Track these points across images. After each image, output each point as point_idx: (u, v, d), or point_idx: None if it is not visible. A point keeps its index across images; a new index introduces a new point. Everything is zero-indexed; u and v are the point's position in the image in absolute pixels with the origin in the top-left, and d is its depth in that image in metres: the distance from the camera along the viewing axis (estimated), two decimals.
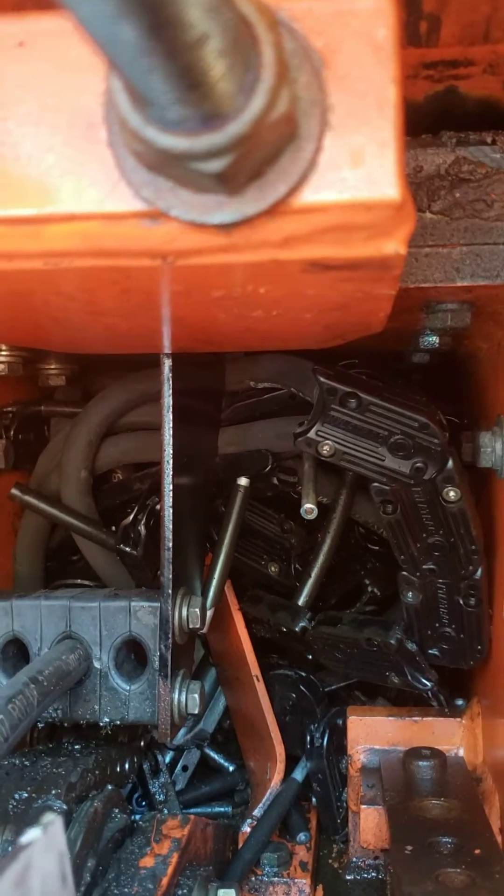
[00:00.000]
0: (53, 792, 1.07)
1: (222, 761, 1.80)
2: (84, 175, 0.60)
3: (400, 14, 0.59)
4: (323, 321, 0.92)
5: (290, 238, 0.61)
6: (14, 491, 1.58)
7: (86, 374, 1.76)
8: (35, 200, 0.61)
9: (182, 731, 1.79)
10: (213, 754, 1.81)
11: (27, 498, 1.58)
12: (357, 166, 0.57)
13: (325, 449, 1.25)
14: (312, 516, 1.33)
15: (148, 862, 1.13)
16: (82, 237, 0.62)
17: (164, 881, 1.09)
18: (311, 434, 1.25)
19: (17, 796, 1.07)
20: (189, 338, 1.06)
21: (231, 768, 1.79)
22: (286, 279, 0.71)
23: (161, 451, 1.25)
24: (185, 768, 1.78)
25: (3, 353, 1.39)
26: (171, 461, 1.25)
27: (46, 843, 0.59)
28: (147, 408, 1.62)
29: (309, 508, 1.31)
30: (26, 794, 1.07)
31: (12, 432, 1.65)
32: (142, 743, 1.53)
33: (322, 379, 1.20)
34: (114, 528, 1.62)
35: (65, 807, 1.06)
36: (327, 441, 1.24)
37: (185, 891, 1.14)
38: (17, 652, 1.33)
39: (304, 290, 0.76)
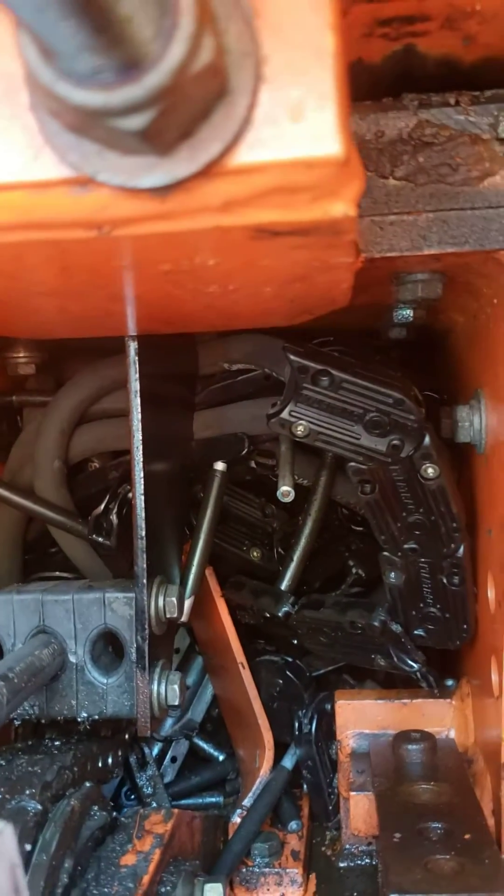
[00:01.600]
0: (27, 792, 1.04)
1: (212, 751, 1.78)
2: (5, 142, 0.56)
3: None
4: (285, 295, 0.89)
5: (230, 202, 0.57)
6: None
7: (57, 362, 1.71)
8: None
9: (169, 721, 1.77)
10: (202, 744, 1.78)
11: (0, 491, 1.54)
12: (296, 121, 0.53)
13: (300, 429, 1.21)
14: (289, 499, 1.30)
15: (129, 860, 1.10)
16: (8, 209, 0.58)
17: (146, 879, 1.06)
18: (284, 415, 1.21)
19: None
20: (149, 318, 1.02)
21: (221, 757, 1.77)
22: (234, 248, 0.67)
23: (130, 438, 1.22)
24: (173, 759, 1.75)
25: None
26: (140, 447, 1.21)
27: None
28: (120, 394, 1.57)
29: (286, 491, 1.28)
30: (0, 795, 1.04)
31: None
32: (126, 736, 1.50)
33: (292, 357, 1.17)
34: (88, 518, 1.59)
35: (39, 807, 1.03)
36: (301, 421, 1.20)
37: (168, 887, 1.11)
38: None
39: (257, 261, 0.72)
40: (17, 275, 0.73)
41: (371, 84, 0.96)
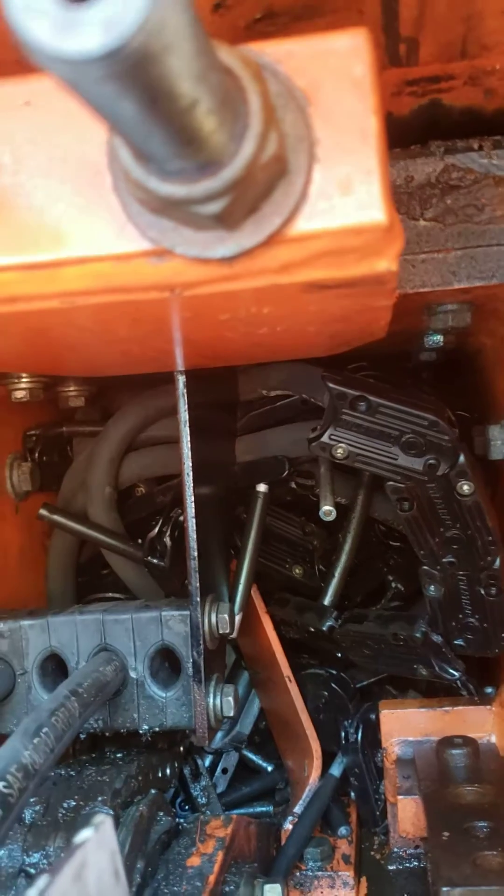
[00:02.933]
0: (100, 799, 1.12)
1: (260, 762, 1.84)
2: (93, 220, 0.64)
3: (378, 41, 0.63)
4: (327, 332, 0.97)
5: (287, 264, 0.65)
6: (43, 511, 1.64)
7: (104, 393, 1.81)
8: (50, 246, 0.66)
9: (219, 734, 1.84)
10: (251, 756, 1.85)
11: (55, 517, 1.63)
12: (345, 194, 0.61)
13: (339, 452, 1.29)
14: (331, 518, 1.37)
15: (194, 861, 1.17)
16: (95, 277, 0.67)
17: (212, 878, 1.13)
18: (325, 438, 1.29)
19: (65, 805, 1.11)
20: (199, 355, 1.10)
21: (269, 768, 1.83)
22: (287, 300, 0.75)
23: (181, 464, 1.30)
24: (224, 771, 1.82)
25: (24, 380, 1.44)
26: (191, 473, 1.29)
27: (98, 841, 0.64)
28: (164, 422, 1.66)
29: (327, 511, 1.35)
30: (74, 803, 1.12)
31: (37, 454, 1.70)
32: (181, 748, 1.57)
33: (331, 385, 1.24)
34: (140, 541, 1.67)
35: (111, 812, 1.11)
36: (340, 444, 1.28)
37: (231, 887, 1.18)
38: (56, 667, 1.38)
39: (305, 308, 0.80)
40: (92, 328, 0.81)
41: (400, 133, 1.04)
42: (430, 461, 1.28)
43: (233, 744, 1.83)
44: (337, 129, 0.61)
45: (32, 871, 1.03)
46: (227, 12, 0.75)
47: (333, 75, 0.61)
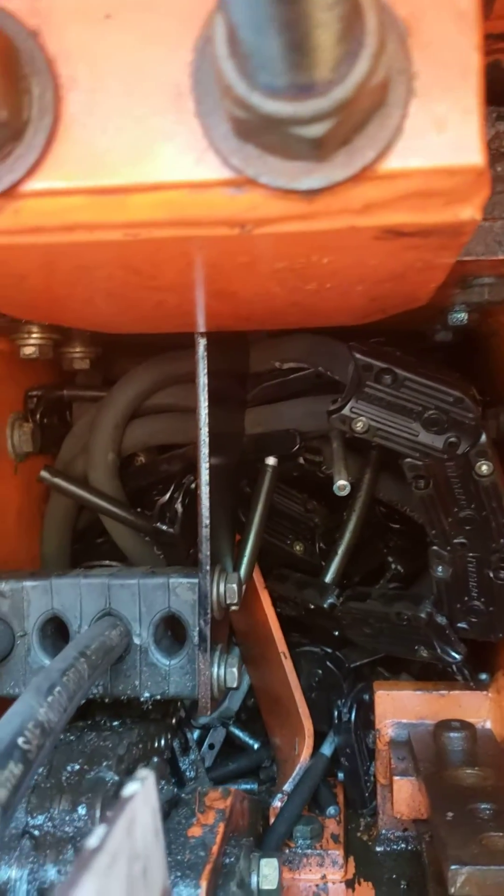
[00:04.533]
0: (105, 763, 1.09)
1: (247, 739, 1.82)
2: (171, 145, 0.61)
3: None
4: (373, 293, 0.94)
5: (370, 204, 0.62)
6: (44, 473, 1.60)
7: (105, 358, 1.77)
8: (121, 170, 0.62)
9: None
10: (238, 732, 1.83)
11: (57, 480, 1.59)
12: (441, 132, 0.59)
13: (359, 425, 1.26)
14: (345, 492, 1.35)
15: (196, 832, 1.15)
16: (165, 206, 0.64)
17: (214, 849, 1.11)
18: (346, 411, 1.26)
19: (69, 768, 1.08)
20: (232, 315, 1.07)
21: (256, 746, 1.81)
22: (354, 248, 0.72)
23: (197, 430, 1.27)
24: (211, 746, 1.80)
25: (34, 335, 1.40)
26: (206, 440, 1.26)
27: (144, 796, 0.61)
28: (172, 389, 1.63)
29: (342, 485, 1.33)
30: (78, 766, 1.09)
31: (38, 416, 1.66)
32: (173, 720, 1.55)
33: (358, 356, 1.22)
34: (139, 509, 1.64)
35: (116, 777, 1.08)
36: (361, 417, 1.26)
37: (232, 859, 1.16)
38: (55, 631, 1.35)
39: (366, 260, 0.78)
40: (143, 269, 0.78)
41: None
42: (451, 439, 1.26)
43: (221, 719, 1.81)
44: (437, 64, 0.59)
45: (36, 832, 1.00)
46: None
47: (437, 5, 0.58)
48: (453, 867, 1.05)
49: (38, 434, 1.63)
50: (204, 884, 1.03)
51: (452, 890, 1.04)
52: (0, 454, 1.56)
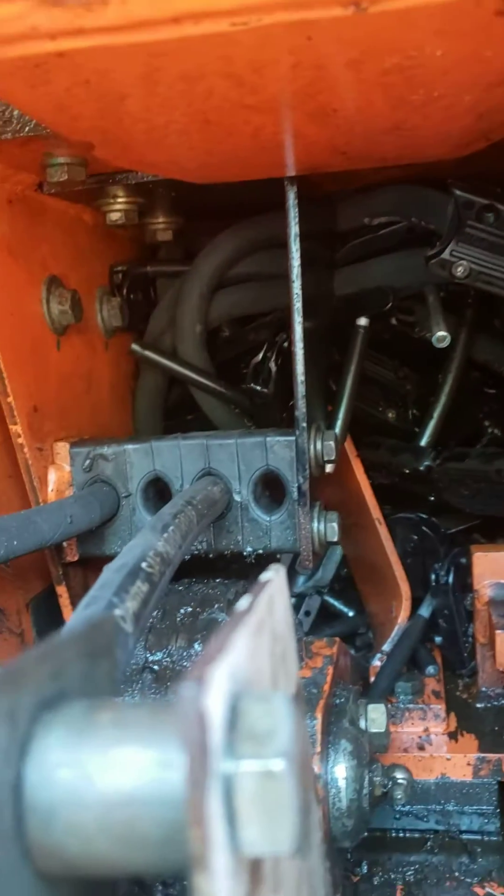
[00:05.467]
0: (216, 606, 1.12)
1: (342, 607, 1.85)
2: None
3: None
4: (480, 106, 0.89)
5: None
6: (135, 346, 1.60)
7: (185, 233, 1.75)
8: None
9: (301, 578, 1.85)
10: (332, 601, 1.86)
11: (148, 353, 1.60)
12: None
13: (460, 270, 1.22)
14: (445, 344, 1.32)
15: (305, 673, 1.18)
16: None
17: (325, 688, 1.14)
18: (445, 255, 1.22)
19: (182, 611, 1.12)
20: (327, 146, 1.03)
21: (351, 614, 1.84)
22: (472, 31, 0.68)
23: (289, 283, 1.24)
24: (307, 613, 1.83)
25: (120, 199, 1.38)
26: (299, 293, 1.23)
27: (279, 586, 0.62)
28: (256, 256, 1.60)
29: (441, 336, 1.30)
30: (190, 609, 1.12)
31: (124, 291, 1.65)
32: None
33: (458, 192, 1.17)
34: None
35: (228, 618, 1.11)
36: (462, 261, 1.21)
37: (342, 700, 1.19)
38: (156, 494, 1.38)
39: (482, 51, 0.73)
40: (246, 78, 0.75)
41: None
42: None
43: (315, 587, 1.84)
44: None
45: (156, 667, 1.04)
46: None
47: None
48: None
49: (126, 309, 1.63)
50: (319, 716, 1.06)
51: None
52: (91, 330, 1.57)
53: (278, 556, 1.61)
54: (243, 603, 0.52)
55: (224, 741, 0.39)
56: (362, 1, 0.62)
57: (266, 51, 0.70)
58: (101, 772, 0.40)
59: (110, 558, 1.35)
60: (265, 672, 0.52)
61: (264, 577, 0.60)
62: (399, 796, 1.09)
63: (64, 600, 1.40)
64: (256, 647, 0.51)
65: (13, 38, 0.66)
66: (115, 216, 1.40)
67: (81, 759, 0.40)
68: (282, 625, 0.61)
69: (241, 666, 0.45)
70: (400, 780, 1.10)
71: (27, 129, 1.10)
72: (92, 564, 1.45)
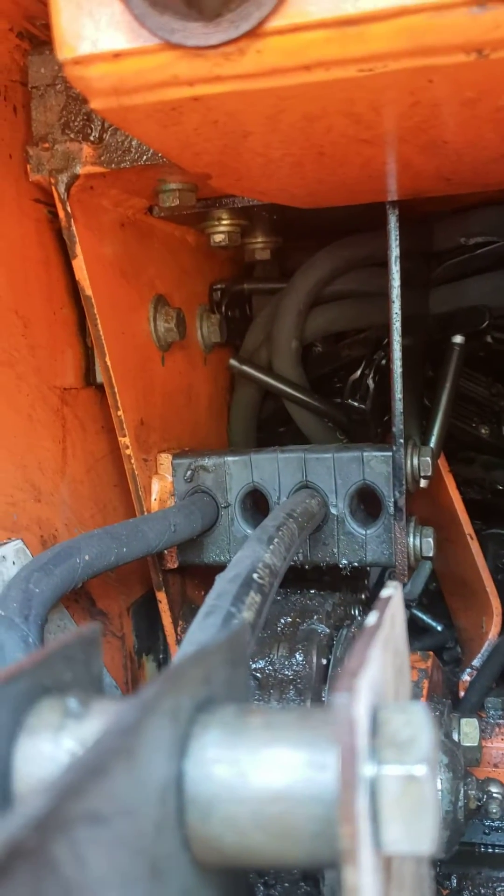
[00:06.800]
0: (315, 617, 1.16)
1: (430, 621, 1.87)
2: None
3: None
4: None
5: None
6: (233, 362, 1.66)
7: (281, 252, 1.79)
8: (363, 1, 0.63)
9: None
10: (420, 615, 1.87)
11: (245, 368, 1.65)
12: None
13: None
14: None
15: None
16: (405, 34, 0.64)
17: (422, 699, 1.16)
18: None
19: (282, 620, 1.16)
20: (433, 174, 1.06)
21: (439, 628, 1.85)
22: None
23: (388, 301, 1.27)
24: None
25: (224, 222, 1.44)
26: (399, 311, 1.26)
27: (397, 602, 0.65)
28: (352, 275, 1.64)
29: None
30: (290, 619, 1.16)
31: (223, 308, 1.71)
32: (362, 596, 1.61)
33: None
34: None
35: (327, 630, 1.15)
36: None
37: (437, 713, 1.21)
38: (254, 505, 1.42)
39: None
40: (364, 116, 0.79)
41: None
42: None
43: (405, 601, 1.86)
44: None
45: (258, 675, 1.09)
46: None
47: None
48: None
49: (224, 325, 1.69)
50: None
51: None
52: (192, 346, 1.63)
53: (368, 568, 1.64)
54: (371, 619, 0.55)
55: (369, 747, 0.42)
56: (485, 48, 0.65)
57: (388, 93, 0.74)
58: (254, 770, 0.44)
59: (208, 566, 1.42)
60: (390, 684, 0.56)
61: (384, 593, 0.64)
62: (494, 810, 1.11)
63: (163, 606, 1.46)
64: (385, 662, 0.55)
65: (154, 85, 0.72)
66: (218, 238, 1.45)
67: (237, 758, 0.44)
68: (401, 640, 0.64)
69: (377, 679, 0.48)
70: (495, 795, 1.11)
71: (144, 158, 1.17)
72: (189, 572, 1.51)
